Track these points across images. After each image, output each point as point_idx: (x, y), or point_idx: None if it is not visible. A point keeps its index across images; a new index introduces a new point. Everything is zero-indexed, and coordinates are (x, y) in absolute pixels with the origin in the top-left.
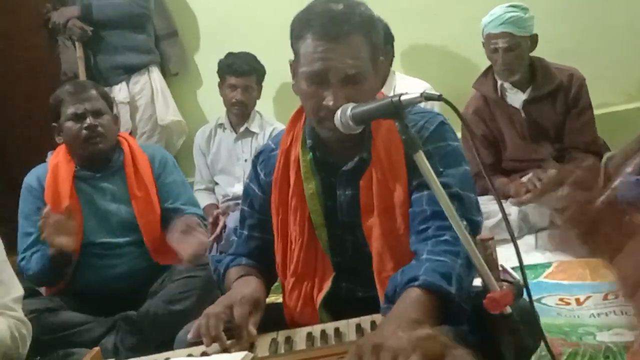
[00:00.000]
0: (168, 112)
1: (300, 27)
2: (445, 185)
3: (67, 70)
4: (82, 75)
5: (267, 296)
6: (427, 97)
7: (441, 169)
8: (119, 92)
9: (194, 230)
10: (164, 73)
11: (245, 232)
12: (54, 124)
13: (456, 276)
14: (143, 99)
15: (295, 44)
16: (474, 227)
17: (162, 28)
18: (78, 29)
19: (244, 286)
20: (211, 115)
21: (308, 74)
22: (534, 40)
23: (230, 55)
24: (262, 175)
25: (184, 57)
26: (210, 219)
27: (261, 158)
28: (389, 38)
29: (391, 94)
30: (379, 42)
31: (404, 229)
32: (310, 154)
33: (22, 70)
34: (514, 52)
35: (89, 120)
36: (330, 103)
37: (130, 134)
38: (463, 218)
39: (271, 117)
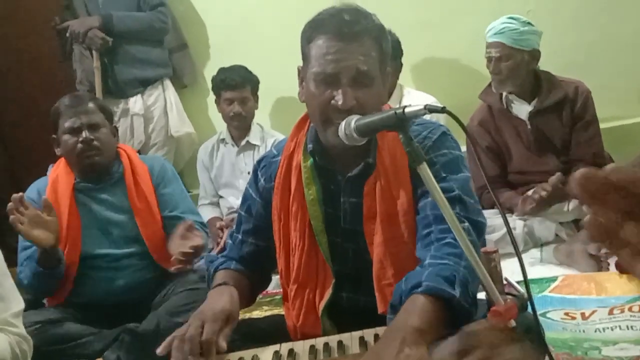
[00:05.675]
0: (181, 124)
1: (311, 30)
2: (447, 190)
3: (83, 79)
4: (98, 86)
5: (249, 302)
6: (430, 110)
7: (444, 175)
8: (134, 104)
9: (189, 233)
10: (174, 85)
11: (239, 237)
12: (53, 135)
13: (460, 279)
14: (156, 111)
15: (306, 47)
16: (478, 228)
17: (173, 40)
18: (99, 39)
19: (216, 298)
20: (220, 127)
21: (319, 74)
22: (534, 55)
23: (221, 70)
24: (261, 181)
25: (193, 69)
26: (214, 231)
27: (262, 164)
28: (398, 52)
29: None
30: (388, 51)
31: (407, 236)
32: (311, 159)
33: (36, 84)
34: (504, 62)
35: (84, 134)
36: (340, 102)
37: (143, 145)
38: (466, 220)
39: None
